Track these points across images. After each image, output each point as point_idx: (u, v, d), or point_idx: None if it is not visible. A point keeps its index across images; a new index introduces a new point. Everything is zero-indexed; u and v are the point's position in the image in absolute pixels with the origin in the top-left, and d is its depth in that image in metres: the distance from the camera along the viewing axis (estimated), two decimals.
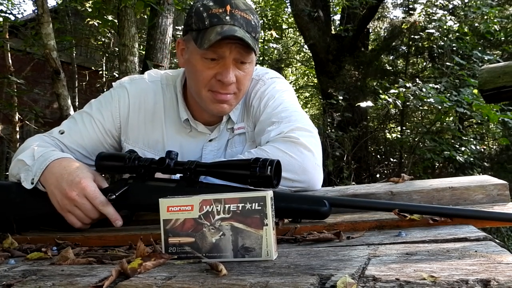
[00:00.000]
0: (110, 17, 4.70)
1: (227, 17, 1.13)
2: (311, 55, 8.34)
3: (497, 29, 6.38)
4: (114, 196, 1.04)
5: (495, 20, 6.37)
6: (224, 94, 1.20)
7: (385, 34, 7.80)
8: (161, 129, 1.33)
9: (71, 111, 3.57)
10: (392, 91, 5.18)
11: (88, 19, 6.29)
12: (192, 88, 1.26)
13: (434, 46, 6.50)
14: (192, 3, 1.22)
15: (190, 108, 1.33)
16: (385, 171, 6.56)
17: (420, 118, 7.42)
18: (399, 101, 5.20)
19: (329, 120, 5.67)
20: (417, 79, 6.14)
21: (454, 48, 6.08)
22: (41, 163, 1.12)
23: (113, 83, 1.39)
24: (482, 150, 6.75)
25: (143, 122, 1.33)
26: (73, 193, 1.05)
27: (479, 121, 5.85)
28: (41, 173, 1.10)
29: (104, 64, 8.24)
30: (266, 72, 1.39)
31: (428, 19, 6.70)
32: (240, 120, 1.34)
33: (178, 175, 1.04)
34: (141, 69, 4.37)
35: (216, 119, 1.32)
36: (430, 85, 5.12)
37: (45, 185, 1.11)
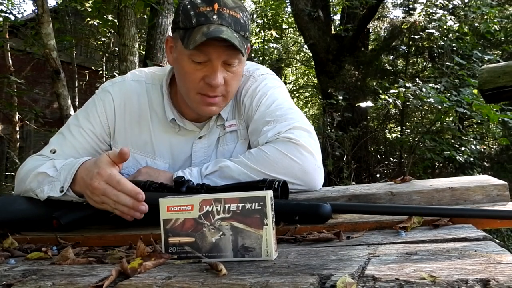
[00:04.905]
0: (110, 17, 4.71)
1: (215, 16, 1.09)
2: (311, 55, 8.35)
3: (497, 29, 6.38)
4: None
5: (495, 20, 6.37)
6: (213, 98, 1.18)
7: (385, 34, 7.79)
8: (148, 129, 1.30)
9: (71, 111, 3.57)
10: (392, 91, 5.17)
11: (88, 19, 6.30)
12: (182, 88, 1.23)
13: (434, 46, 6.50)
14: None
15: (178, 106, 1.29)
16: (385, 171, 6.56)
17: (420, 118, 7.42)
18: (399, 101, 5.19)
19: (329, 120, 5.66)
20: (417, 79, 6.13)
21: (454, 48, 6.08)
22: (69, 170, 1.10)
23: (96, 91, 1.35)
24: (482, 150, 6.75)
25: (129, 124, 1.30)
26: (95, 183, 1.00)
27: (479, 121, 5.85)
28: (71, 179, 1.08)
29: (104, 64, 8.25)
30: (257, 68, 1.34)
31: (428, 19, 6.70)
32: (231, 117, 1.32)
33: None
34: None
35: (205, 116, 1.29)
36: (430, 85, 5.11)
37: (78, 191, 1.09)
